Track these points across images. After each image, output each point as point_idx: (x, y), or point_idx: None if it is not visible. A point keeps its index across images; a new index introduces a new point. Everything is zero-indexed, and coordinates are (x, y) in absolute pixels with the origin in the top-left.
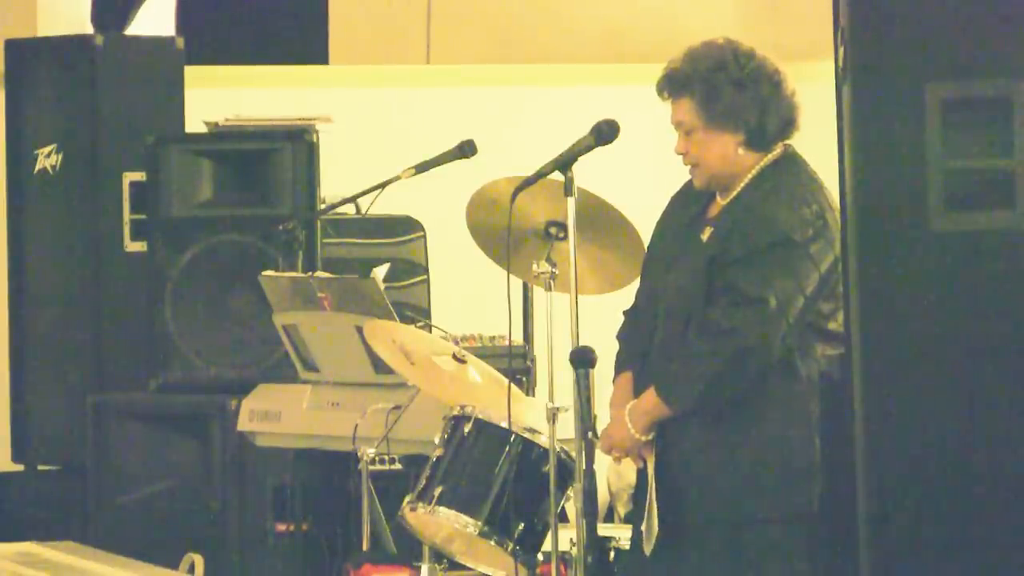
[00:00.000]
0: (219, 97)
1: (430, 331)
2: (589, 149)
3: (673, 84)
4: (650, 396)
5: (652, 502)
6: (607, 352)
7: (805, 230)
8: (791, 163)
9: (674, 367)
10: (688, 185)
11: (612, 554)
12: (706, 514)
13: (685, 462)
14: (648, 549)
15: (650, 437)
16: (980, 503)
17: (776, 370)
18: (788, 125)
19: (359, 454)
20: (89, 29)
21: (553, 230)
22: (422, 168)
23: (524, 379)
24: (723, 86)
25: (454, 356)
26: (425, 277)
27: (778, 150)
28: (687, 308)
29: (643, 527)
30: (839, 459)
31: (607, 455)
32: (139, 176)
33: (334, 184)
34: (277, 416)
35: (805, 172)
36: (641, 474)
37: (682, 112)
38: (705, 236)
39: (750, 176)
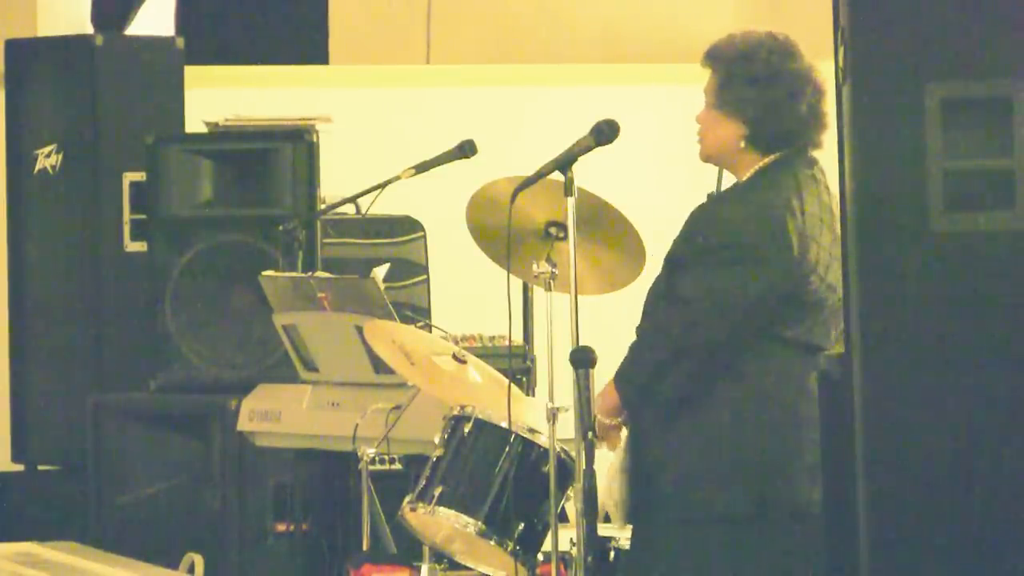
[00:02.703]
0: (219, 97)
1: (430, 331)
2: (589, 149)
3: (708, 56)
4: (610, 384)
5: (620, 480)
6: (607, 352)
7: (759, 233)
8: (781, 167)
9: (625, 360)
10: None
11: (612, 554)
12: (652, 513)
13: (637, 461)
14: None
15: (614, 422)
16: (980, 503)
17: (722, 373)
18: (791, 136)
19: (359, 454)
20: (89, 29)
21: (553, 230)
22: (422, 168)
23: (524, 379)
24: (738, 76)
25: (454, 356)
26: (425, 277)
27: (778, 155)
28: (647, 305)
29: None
30: (839, 459)
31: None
32: (139, 176)
33: (334, 184)
34: (277, 416)
35: (789, 175)
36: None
37: (706, 84)
38: None
39: (746, 177)
